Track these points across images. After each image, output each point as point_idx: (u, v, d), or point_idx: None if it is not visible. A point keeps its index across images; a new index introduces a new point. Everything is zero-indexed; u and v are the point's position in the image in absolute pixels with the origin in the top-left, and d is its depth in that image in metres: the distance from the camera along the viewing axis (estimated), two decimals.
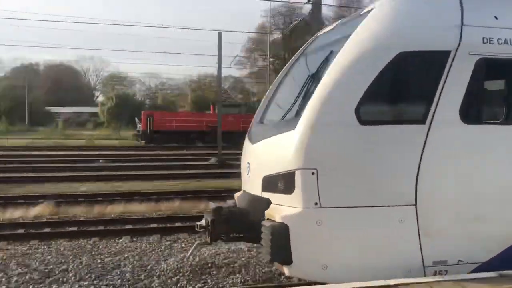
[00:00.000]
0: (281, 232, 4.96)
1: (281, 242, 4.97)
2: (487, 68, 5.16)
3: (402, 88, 5.35)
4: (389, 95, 5.34)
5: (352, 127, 4.95)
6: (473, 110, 5.24)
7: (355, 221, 5.01)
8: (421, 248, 5.11)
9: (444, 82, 5.04)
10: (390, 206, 4.99)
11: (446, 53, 5.10)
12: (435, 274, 5.23)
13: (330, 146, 5.04)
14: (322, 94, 5.04)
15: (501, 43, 5.17)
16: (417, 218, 5.04)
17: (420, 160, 4.97)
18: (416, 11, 5.47)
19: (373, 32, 5.22)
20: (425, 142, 4.98)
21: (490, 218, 5.22)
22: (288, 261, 5.01)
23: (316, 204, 4.95)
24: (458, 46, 5.11)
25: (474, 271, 5.30)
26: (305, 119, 4.98)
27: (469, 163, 5.14)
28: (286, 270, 5.19)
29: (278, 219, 5.01)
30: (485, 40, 5.16)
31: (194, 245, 7.10)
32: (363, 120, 4.93)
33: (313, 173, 4.94)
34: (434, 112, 5.00)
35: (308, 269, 5.14)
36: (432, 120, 5.00)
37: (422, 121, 5.02)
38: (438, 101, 5.01)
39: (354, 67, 5.09)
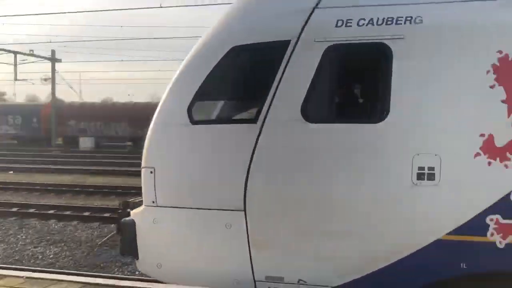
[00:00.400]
0: (129, 227, 5.09)
1: (129, 237, 5.10)
2: (339, 56, 4.59)
3: (234, 85, 5.10)
4: (220, 93, 5.15)
5: (184, 126, 4.83)
6: (322, 107, 4.70)
7: (187, 223, 4.90)
8: (251, 260, 4.73)
9: (282, 76, 4.56)
10: (218, 209, 4.74)
11: (285, 43, 4.57)
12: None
13: (165, 146, 5.02)
14: (165, 93, 5.02)
15: (362, 25, 4.46)
16: (246, 225, 4.66)
17: (250, 162, 4.60)
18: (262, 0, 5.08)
19: (212, 27, 4.97)
20: (256, 143, 4.61)
21: (340, 234, 4.53)
22: (136, 255, 5.12)
23: (153, 202, 4.98)
24: (301, 33, 4.55)
25: None
26: (152, 119, 5.01)
27: (311, 169, 4.56)
28: (136, 264, 5.36)
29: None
30: (340, 23, 4.49)
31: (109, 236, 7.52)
32: (194, 120, 4.81)
33: (151, 172, 4.96)
34: (267, 111, 4.58)
35: (147, 266, 5.21)
36: (264, 119, 4.59)
37: (254, 121, 4.64)
38: (273, 98, 4.58)
39: (189, 65, 4.93)
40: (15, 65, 36.79)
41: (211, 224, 4.81)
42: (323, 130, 4.57)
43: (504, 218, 4.27)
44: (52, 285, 6.13)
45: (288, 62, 4.58)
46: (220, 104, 5.25)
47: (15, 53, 36.75)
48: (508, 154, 4.23)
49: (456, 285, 4.51)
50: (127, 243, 5.20)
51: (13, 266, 8.03)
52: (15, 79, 37.93)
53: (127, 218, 5.21)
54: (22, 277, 6.12)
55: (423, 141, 4.37)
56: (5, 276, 6.36)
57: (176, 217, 4.99)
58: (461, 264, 4.37)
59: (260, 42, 4.72)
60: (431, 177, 4.34)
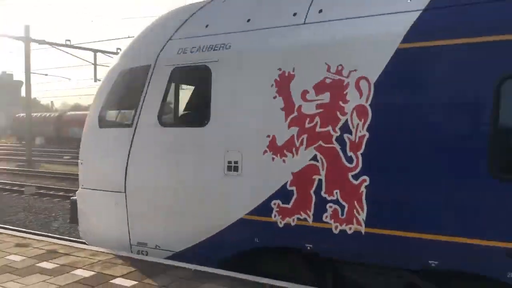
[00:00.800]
0: (72, 204, 7.63)
1: (73, 210, 7.58)
2: (180, 76, 6.35)
3: (122, 99, 7.01)
4: (115, 105, 7.16)
5: (96, 129, 7.08)
6: (169, 115, 6.51)
7: (97, 201, 7.07)
8: (129, 229, 6.73)
9: (146, 92, 6.47)
10: (111, 191, 6.80)
11: (147, 67, 6.47)
12: (138, 253, 6.70)
13: (86, 143, 7.33)
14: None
15: (193, 52, 6.11)
16: (126, 203, 6.63)
17: (128, 156, 6.56)
18: (145, 31, 7.07)
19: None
20: (132, 141, 6.55)
21: (180, 212, 6.22)
22: (77, 224, 7.58)
23: (82, 185, 7.31)
24: (156, 59, 6.42)
25: (170, 258, 6.34)
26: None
27: (163, 161, 6.30)
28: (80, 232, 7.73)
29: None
30: (180, 51, 6.22)
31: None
32: (100, 124, 7.04)
33: (81, 163, 7.36)
34: (138, 117, 6.50)
35: (82, 232, 7.58)
36: (137, 124, 6.51)
37: (131, 125, 6.61)
38: (141, 108, 6.50)
39: (102, 83, 7.29)
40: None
41: (108, 202, 6.82)
42: (170, 132, 6.30)
43: (283, 203, 5.46)
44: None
45: (149, 81, 6.43)
46: (115, 113, 7.30)
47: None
48: (285, 151, 5.42)
49: (258, 256, 5.87)
50: (72, 215, 7.64)
51: None
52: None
53: (73, 197, 7.68)
54: None
55: (231, 141, 5.77)
56: None
57: (92, 196, 7.13)
58: (255, 239, 5.65)
59: (136, 66, 6.67)
60: (236, 169, 5.75)
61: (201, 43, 6.08)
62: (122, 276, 5.75)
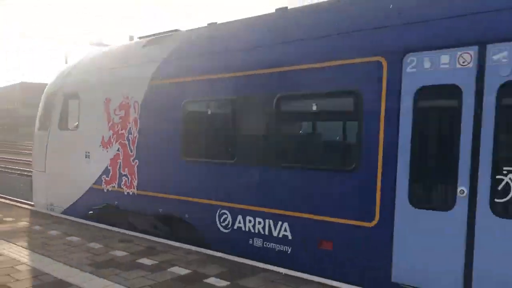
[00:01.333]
0: (31, 178, 11.71)
1: (31, 183, 11.69)
2: (67, 99, 10.45)
3: (46, 112, 11.09)
4: (44, 115, 11.17)
5: (36, 131, 11.50)
6: (62, 123, 10.47)
7: (36, 177, 11.34)
8: (46, 195, 10.99)
9: (56, 109, 10.63)
10: (41, 171, 11.06)
11: (56, 94, 10.75)
12: (48, 209, 10.85)
13: (33, 141, 11.92)
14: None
15: (72, 87, 10.51)
16: (45, 179, 10.88)
17: (46, 148, 10.79)
18: (57, 74, 11.55)
19: None
20: (48, 139, 10.77)
21: (65, 183, 10.32)
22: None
23: (32, 168, 11.66)
24: (60, 89, 10.75)
25: (62, 212, 10.40)
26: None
27: (58, 151, 10.53)
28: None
29: None
30: (67, 87, 10.57)
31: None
32: (38, 128, 11.34)
33: (32, 154, 11.86)
34: (50, 124, 10.73)
35: (34, 201, 11.53)
36: (50, 128, 10.74)
37: (47, 129, 10.86)
38: (51, 119, 10.77)
39: (42, 98, 11.58)
40: None
41: (40, 178, 11.16)
42: (62, 133, 10.50)
43: (106, 177, 9.33)
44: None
45: (60, 102, 10.62)
46: (44, 120, 11.17)
47: None
48: (108, 145, 9.22)
49: (104, 211, 9.49)
50: (31, 187, 11.74)
51: None
52: None
53: (32, 174, 11.81)
54: None
55: (87, 140, 9.76)
56: None
57: (35, 175, 11.44)
58: (97, 200, 9.52)
59: (52, 92, 11.07)
60: (88, 156, 9.73)
61: (69, 83, 10.61)
62: (216, 275, 5.92)
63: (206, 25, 8.45)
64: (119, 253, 6.98)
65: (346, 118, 6.21)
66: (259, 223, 6.76)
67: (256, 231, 6.79)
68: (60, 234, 8.24)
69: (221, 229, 7.22)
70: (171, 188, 7.99)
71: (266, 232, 6.68)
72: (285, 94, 6.56)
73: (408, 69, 5.43)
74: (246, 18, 7.89)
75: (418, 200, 5.33)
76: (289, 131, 6.98)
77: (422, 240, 5.27)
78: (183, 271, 6.11)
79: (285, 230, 6.47)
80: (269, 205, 6.65)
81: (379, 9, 5.95)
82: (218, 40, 7.75)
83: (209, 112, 7.56)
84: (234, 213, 7.05)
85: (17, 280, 5.70)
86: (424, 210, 5.27)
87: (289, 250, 6.43)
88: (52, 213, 10.37)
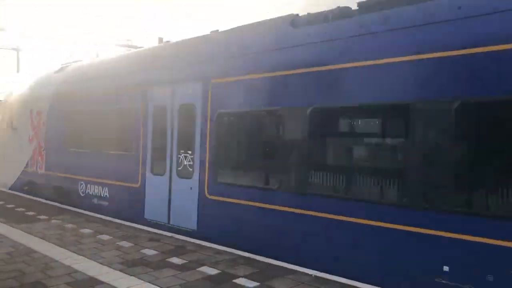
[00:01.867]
0: None
1: None
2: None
3: (8, 116, 15.96)
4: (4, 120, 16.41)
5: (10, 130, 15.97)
6: (12, 123, 15.22)
7: (2, 165, 15.59)
8: (2, 177, 15.26)
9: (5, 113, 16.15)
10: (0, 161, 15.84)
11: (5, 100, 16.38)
12: (4, 187, 15.12)
13: None
14: None
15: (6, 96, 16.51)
16: (1, 165, 15.70)
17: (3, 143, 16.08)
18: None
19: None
20: (2, 136, 16.09)
21: (9, 168, 15.00)
22: None
23: None
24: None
25: (10, 188, 14.65)
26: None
27: (6, 143, 15.41)
28: None
29: None
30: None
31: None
32: (12, 129, 15.78)
33: None
34: (3, 124, 15.98)
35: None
36: (2, 127, 16.14)
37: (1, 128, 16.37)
38: (4, 120, 16.07)
39: None
40: None
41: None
42: (11, 133, 15.39)
43: (30, 162, 13.85)
44: None
45: (7, 108, 15.98)
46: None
47: None
48: (33, 140, 13.68)
49: (30, 186, 13.87)
50: None
51: None
52: None
53: None
54: None
55: (22, 136, 14.33)
56: None
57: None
58: (27, 180, 13.96)
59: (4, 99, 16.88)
60: (22, 149, 14.37)
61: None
62: (245, 276, 5.90)
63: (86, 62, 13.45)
64: (149, 252, 7.05)
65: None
66: (98, 189, 10.83)
67: (95, 193, 10.92)
68: (91, 233, 8.38)
69: (81, 194, 11.42)
70: (58, 168, 12.42)
71: (99, 193, 10.76)
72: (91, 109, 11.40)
73: None
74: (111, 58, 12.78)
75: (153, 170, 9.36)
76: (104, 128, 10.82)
77: (155, 192, 9.22)
78: (212, 271, 6.12)
79: (106, 192, 10.59)
80: (97, 177, 10.89)
81: None
82: (80, 72, 12.59)
83: (77, 117, 11.66)
84: (85, 183, 11.30)
85: (51, 277, 5.82)
86: (156, 175, 9.25)
87: (107, 203, 10.55)
88: (3, 189, 14.49)
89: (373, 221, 5.83)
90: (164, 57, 9.86)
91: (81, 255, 6.85)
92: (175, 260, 6.64)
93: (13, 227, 8.77)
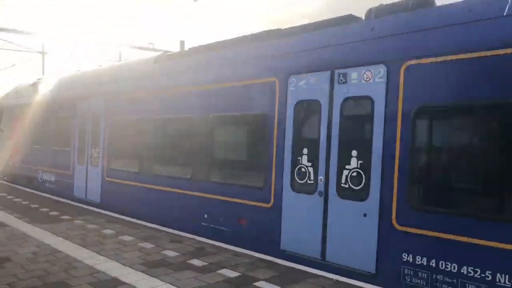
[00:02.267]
0: None
1: None
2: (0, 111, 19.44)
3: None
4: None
5: None
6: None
7: None
8: None
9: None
10: None
11: None
12: None
13: None
14: None
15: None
16: None
17: None
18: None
19: None
20: None
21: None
22: None
23: None
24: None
25: None
26: None
27: None
28: None
29: None
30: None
31: None
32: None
33: None
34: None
35: None
36: None
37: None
38: None
39: None
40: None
41: None
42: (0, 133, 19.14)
43: (12, 157, 17.31)
44: None
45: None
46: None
47: None
48: (12, 140, 17.21)
49: (11, 177, 17.56)
50: None
51: None
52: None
53: None
54: None
55: (5, 138, 17.92)
56: None
57: None
58: (10, 170, 17.57)
59: None
60: (6, 146, 17.94)
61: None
62: (265, 279, 5.90)
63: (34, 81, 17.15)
64: (170, 253, 7.10)
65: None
66: (49, 176, 14.37)
67: (48, 179, 14.43)
68: (113, 233, 8.48)
69: (40, 180, 14.89)
70: (29, 162, 15.85)
71: (50, 179, 14.32)
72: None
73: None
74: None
75: (79, 161, 13.19)
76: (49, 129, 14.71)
77: (79, 177, 12.99)
78: (232, 274, 6.13)
79: (52, 178, 14.19)
80: (48, 167, 14.45)
81: None
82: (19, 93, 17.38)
83: (37, 120, 15.18)
84: (42, 172, 14.82)
85: (74, 277, 5.91)
86: (80, 165, 13.03)
87: (53, 186, 14.12)
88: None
89: (167, 187, 9.60)
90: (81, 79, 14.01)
91: (103, 255, 6.94)
92: (196, 262, 6.67)
93: (37, 227, 8.95)
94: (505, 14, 5.10)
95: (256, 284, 5.74)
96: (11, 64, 31.36)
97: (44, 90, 15.59)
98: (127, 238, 8.12)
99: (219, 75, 8.56)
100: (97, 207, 11.44)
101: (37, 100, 15.75)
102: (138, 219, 9.92)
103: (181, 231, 8.74)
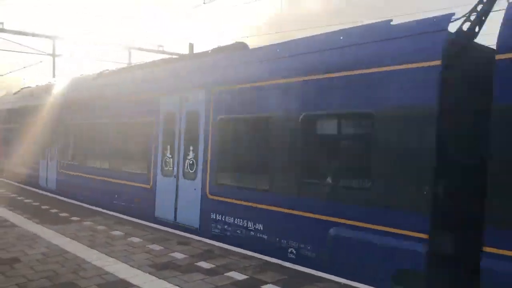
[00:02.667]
0: None
1: None
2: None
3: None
4: None
5: None
6: None
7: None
8: None
9: None
10: None
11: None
12: None
13: None
14: None
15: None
16: None
17: None
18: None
19: None
20: None
21: None
22: None
23: None
24: None
25: None
26: None
27: None
28: None
29: None
30: None
31: None
32: None
33: None
34: None
35: None
36: None
37: None
38: None
39: None
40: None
41: None
42: None
43: None
44: None
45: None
46: None
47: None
48: None
49: None
50: None
51: None
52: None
53: None
54: None
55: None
56: None
57: None
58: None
59: None
60: None
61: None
62: (273, 282, 5.88)
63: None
64: (178, 255, 7.11)
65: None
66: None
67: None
68: (122, 235, 8.52)
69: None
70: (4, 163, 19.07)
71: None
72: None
73: None
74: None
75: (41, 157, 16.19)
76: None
77: (42, 169, 15.98)
78: (240, 276, 6.12)
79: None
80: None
81: None
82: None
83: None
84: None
85: (82, 278, 5.94)
86: (43, 160, 15.98)
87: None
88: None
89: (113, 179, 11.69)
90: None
91: (112, 257, 6.97)
92: (204, 264, 6.67)
93: (47, 228, 9.01)
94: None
95: (264, 287, 5.73)
96: (21, 66, 31.67)
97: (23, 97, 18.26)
98: (135, 239, 8.15)
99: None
100: (52, 193, 12.69)
101: (25, 105, 17.58)
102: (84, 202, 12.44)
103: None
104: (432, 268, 5.43)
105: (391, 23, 6.70)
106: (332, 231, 6.43)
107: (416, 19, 6.51)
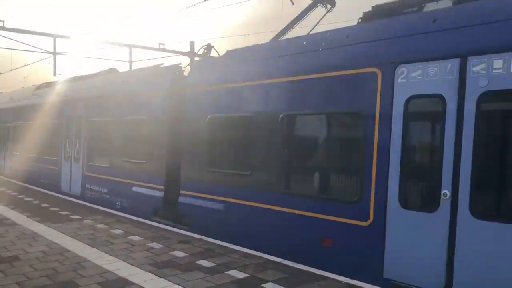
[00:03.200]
0: None
1: None
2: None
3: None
4: None
5: None
6: None
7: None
8: None
9: None
10: None
11: None
12: None
13: None
14: None
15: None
16: None
17: None
18: None
19: None
20: None
21: None
22: None
23: None
24: None
25: None
26: None
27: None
28: None
29: None
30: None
31: None
32: None
33: None
34: None
35: None
36: None
37: None
38: None
39: None
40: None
41: None
42: None
43: None
44: None
45: None
46: None
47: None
48: None
49: None
50: None
51: None
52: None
53: None
54: None
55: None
56: None
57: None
58: None
59: None
60: None
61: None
62: (274, 281, 5.86)
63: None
64: (179, 254, 7.09)
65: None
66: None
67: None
68: (122, 233, 8.50)
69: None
70: None
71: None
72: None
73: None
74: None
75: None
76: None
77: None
78: (240, 275, 6.10)
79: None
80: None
81: None
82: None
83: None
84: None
85: (83, 276, 5.92)
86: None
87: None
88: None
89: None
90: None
91: (112, 255, 6.95)
92: (204, 262, 6.65)
93: (48, 226, 8.99)
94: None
95: (265, 285, 5.71)
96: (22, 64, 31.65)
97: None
98: (136, 238, 8.13)
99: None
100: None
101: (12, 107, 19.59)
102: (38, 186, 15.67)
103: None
104: (165, 205, 9.86)
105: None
106: (134, 188, 10.87)
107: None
